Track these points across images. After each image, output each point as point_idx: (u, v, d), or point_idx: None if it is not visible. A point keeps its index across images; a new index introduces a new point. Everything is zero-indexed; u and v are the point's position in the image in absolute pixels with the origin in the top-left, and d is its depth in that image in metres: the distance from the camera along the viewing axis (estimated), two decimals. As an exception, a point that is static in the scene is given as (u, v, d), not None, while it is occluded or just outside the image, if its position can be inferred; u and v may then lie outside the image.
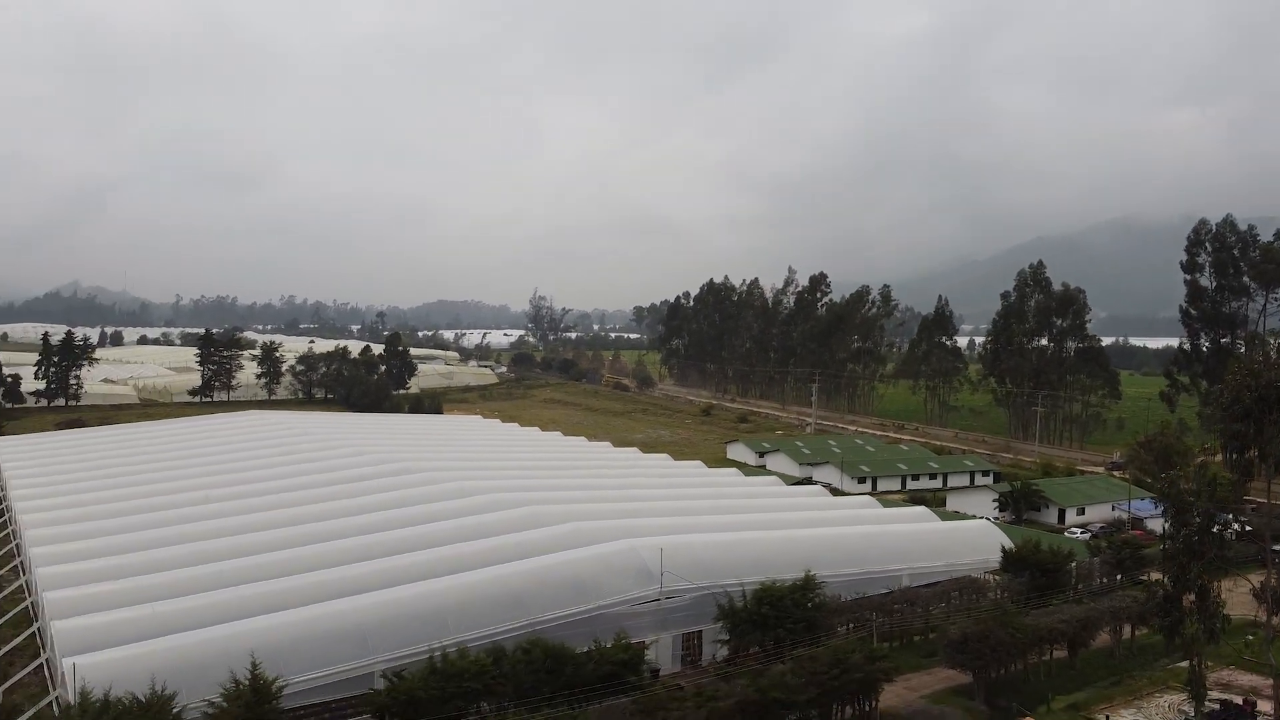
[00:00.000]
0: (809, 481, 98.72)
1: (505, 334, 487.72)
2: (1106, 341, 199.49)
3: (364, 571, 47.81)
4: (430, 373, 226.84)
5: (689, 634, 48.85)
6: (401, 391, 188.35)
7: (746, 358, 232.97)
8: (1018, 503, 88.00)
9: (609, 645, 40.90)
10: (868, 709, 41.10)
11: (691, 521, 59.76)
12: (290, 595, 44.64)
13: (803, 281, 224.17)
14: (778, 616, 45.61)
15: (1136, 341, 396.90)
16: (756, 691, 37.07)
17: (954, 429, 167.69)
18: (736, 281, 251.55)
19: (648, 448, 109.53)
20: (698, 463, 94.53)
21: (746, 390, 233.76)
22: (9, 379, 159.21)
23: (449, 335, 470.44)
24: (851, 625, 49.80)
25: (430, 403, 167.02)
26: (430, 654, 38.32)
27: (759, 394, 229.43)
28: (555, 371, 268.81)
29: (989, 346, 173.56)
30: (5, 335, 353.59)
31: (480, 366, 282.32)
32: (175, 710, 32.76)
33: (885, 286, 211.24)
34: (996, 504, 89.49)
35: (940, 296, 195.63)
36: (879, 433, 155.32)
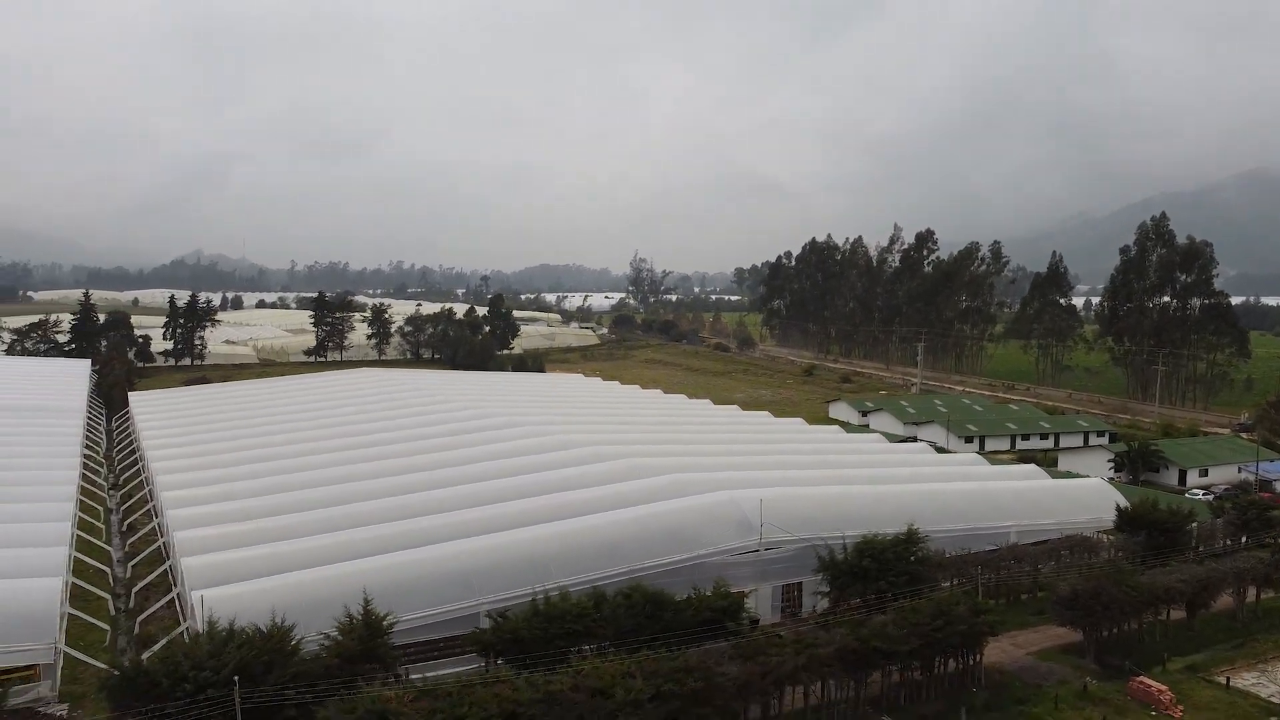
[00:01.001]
0: (913, 440, 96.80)
1: (606, 297, 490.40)
2: (1236, 301, 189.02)
3: (469, 518, 49.15)
4: (533, 334, 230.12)
5: (789, 585, 48.75)
6: (505, 352, 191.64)
7: (849, 318, 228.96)
8: (1135, 463, 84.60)
9: (708, 593, 41.13)
10: (971, 663, 40.38)
11: (791, 475, 59.41)
12: (400, 538, 46.27)
13: (908, 239, 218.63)
14: (879, 569, 45.02)
15: (1270, 301, 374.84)
16: (857, 640, 36.79)
17: (1067, 390, 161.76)
18: (839, 240, 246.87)
19: (748, 406, 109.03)
20: (799, 420, 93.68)
21: (849, 351, 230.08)
22: (140, 340, 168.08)
23: (551, 298, 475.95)
24: (956, 581, 48.86)
25: (533, 362, 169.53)
26: (533, 596, 39.14)
27: (862, 354, 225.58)
28: (655, 333, 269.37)
29: (1106, 304, 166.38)
30: (136, 300, 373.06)
31: (581, 328, 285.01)
32: (294, 641, 34.29)
33: (995, 243, 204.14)
34: (1112, 464, 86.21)
35: (1054, 253, 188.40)
36: (987, 393, 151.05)
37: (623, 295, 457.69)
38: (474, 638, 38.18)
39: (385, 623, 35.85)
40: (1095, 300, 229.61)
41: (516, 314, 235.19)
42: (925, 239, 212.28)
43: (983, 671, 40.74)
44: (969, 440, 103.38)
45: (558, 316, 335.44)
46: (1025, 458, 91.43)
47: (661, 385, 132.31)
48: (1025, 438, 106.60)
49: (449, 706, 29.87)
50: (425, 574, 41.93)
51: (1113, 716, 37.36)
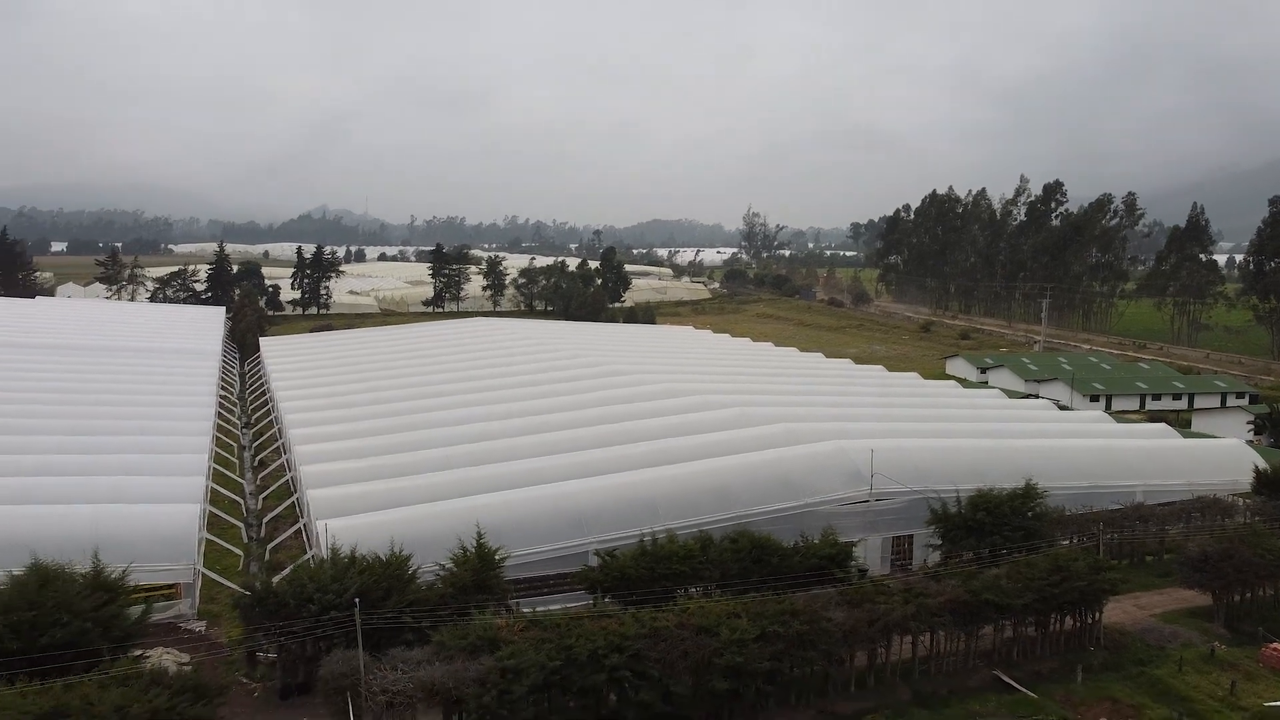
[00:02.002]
0: (1034, 398, 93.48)
1: (718, 252, 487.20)
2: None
3: (579, 460, 49.93)
4: (644, 287, 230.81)
5: (899, 538, 47.98)
6: (616, 305, 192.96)
7: (970, 273, 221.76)
8: (1278, 426, 79.75)
9: (816, 541, 40.88)
10: (1090, 621, 39.06)
11: (904, 427, 58.25)
12: (512, 478, 47.39)
13: (1035, 191, 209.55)
14: (994, 523, 43.82)
15: None
16: (968, 592, 36.00)
17: (1205, 349, 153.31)
18: (961, 193, 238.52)
19: (861, 361, 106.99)
20: (914, 374, 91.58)
21: (969, 307, 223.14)
22: (270, 289, 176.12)
23: (663, 253, 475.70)
24: (1076, 539, 47.18)
25: (643, 315, 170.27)
26: (640, 538, 39.59)
27: (983, 310, 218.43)
28: (768, 287, 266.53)
29: (1252, 259, 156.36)
30: (267, 253, 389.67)
31: (693, 282, 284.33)
32: (411, 570, 35.65)
33: (1130, 194, 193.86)
34: (1251, 427, 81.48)
35: (1195, 204, 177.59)
36: (1116, 352, 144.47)
37: (735, 250, 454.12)
38: (582, 575, 38.91)
39: (497, 556, 36.87)
40: (1239, 258, 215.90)
41: (628, 268, 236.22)
42: (1053, 191, 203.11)
43: (1102, 631, 39.34)
44: (1094, 399, 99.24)
45: (669, 271, 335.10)
46: (1156, 418, 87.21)
47: (773, 339, 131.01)
48: (1156, 398, 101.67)
49: (557, 637, 30.61)
50: (536, 512, 42.89)
51: (1243, 682, 35.66)
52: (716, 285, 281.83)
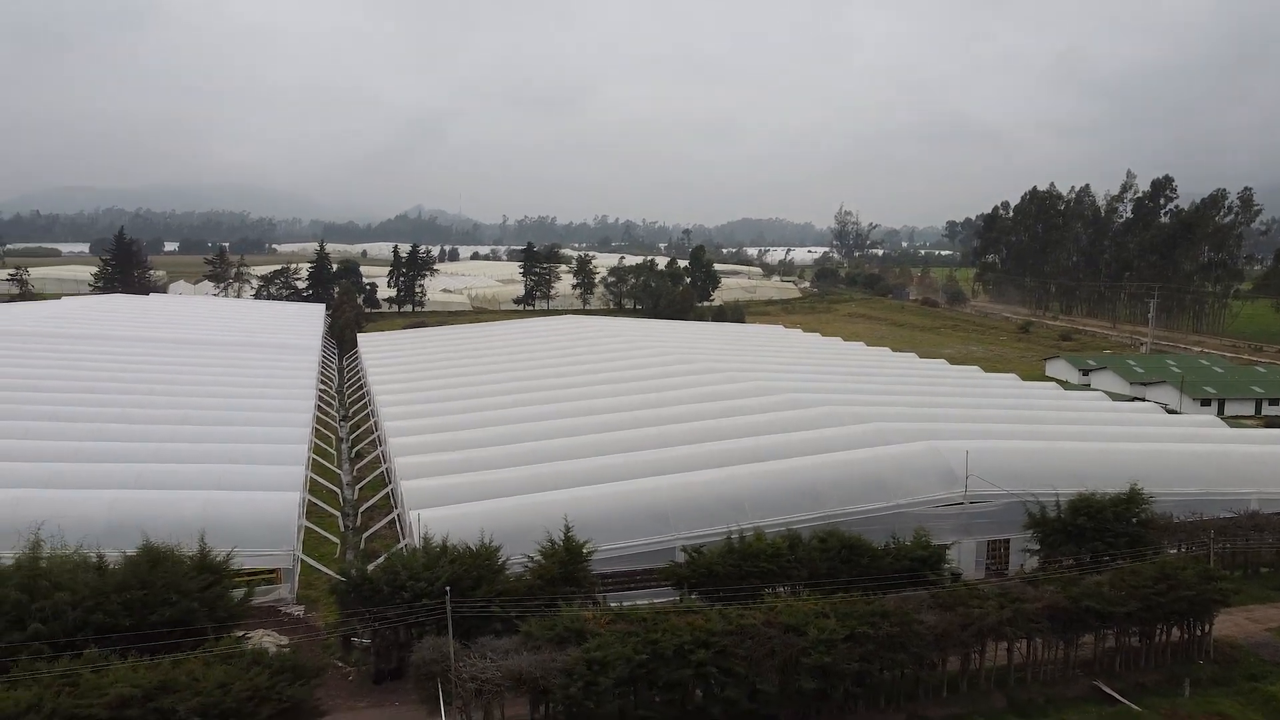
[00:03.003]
0: (1140, 400, 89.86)
1: (809, 251, 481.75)
2: None
3: (667, 456, 49.93)
4: (733, 286, 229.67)
5: (994, 541, 46.66)
6: (705, 303, 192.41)
7: (1071, 272, 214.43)
8: None
9: (908, 543, 40.04)
10: (1199, 633, 37.33)
11: (1001, 429, 56.62)
12: (600, 472, 47.67)
13: (1142, 187, 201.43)
14: (1096, 529, 42.27)
15: None
16: (1067, 598, 34.78)
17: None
18: (1063, 189, 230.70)
19: (956, 362, 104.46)
20: (1012, 376, 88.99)
21: (1070, 307, 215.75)
22: (368, 287, 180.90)
23: (752, 252, 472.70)
24: (1185, 547, 45.15)
25: (732, 313, 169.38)
26: (728, 535, 39.39)
27: (1085, 311, 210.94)
28: (859, 287, 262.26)
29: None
30: (365, 252, 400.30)
31: (782, 281, 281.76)
32: (500, 560, 36.16)
33: (1246, 189, 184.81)
34: (1379, 434, 76.71)
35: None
36: (1230, 354, 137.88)
37: (826, 250, 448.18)
38: (669, 571, 38.89)
39: (584, 550, 37.12)
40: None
41: (717, 267, 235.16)
42: (1162, 186, 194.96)
43: (1211, 644, 37.58)
44: (1206, 403, 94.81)
45: (758, 270, 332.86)
46: (1274, 424, 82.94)
47: (864, 339, 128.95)
48: (1274, 402, 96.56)
49: (643, 631, 30.63)
50: (623, 507, 43.04)
51: (1367, 702, 33.62)
52: (807, 284, 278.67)
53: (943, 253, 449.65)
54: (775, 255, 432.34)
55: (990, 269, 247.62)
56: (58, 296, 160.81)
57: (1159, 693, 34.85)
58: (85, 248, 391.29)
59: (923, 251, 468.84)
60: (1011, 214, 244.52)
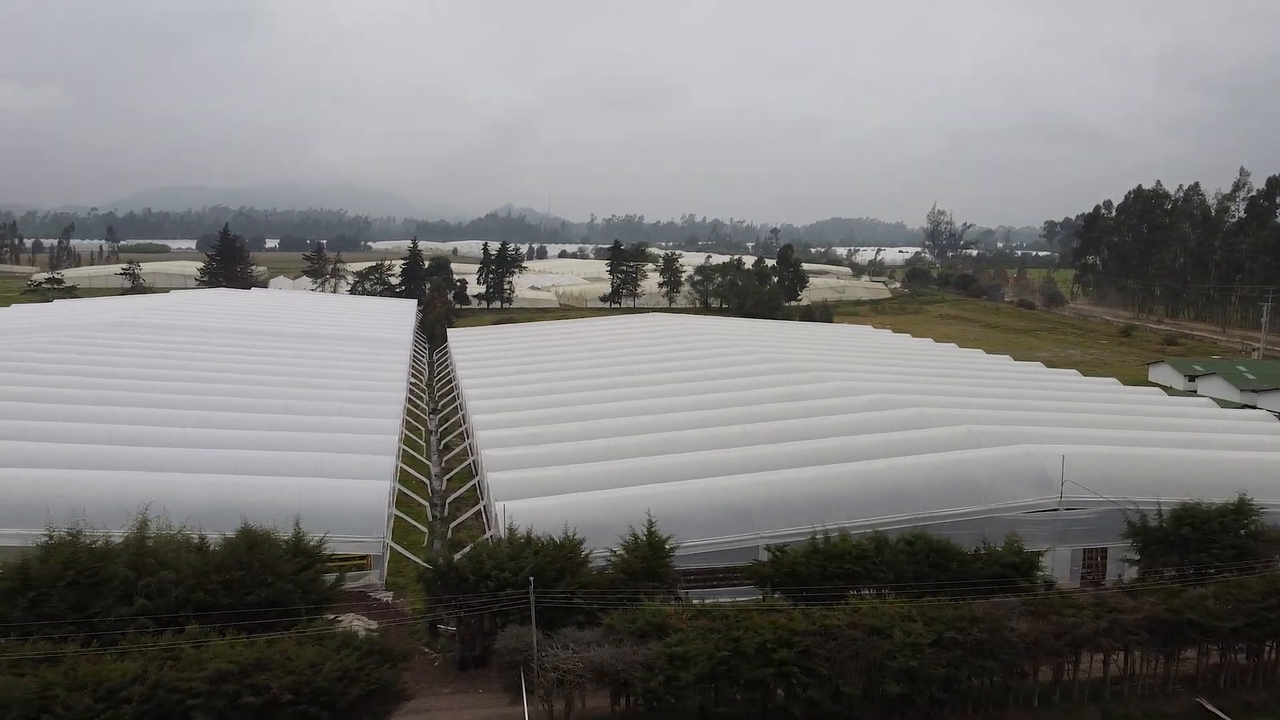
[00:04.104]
0: (1251, 409, 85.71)
1: (900, 251, 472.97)
2: None
3: (751, 454, 49.59)
4: (821, 285, 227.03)
5: (1090, 550, 45.07)
6: (792, 303, 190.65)
7: (1178, 274, 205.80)
8: None
9: (999, 549, 38.95)
10: (1313, 652, 35.45)
11: (1099, 434, 54.64)
12: (683, 469, 47.60)
13: (1256, 184, 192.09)
14: (1200, 540, 40.44)
15: None
16: (1168, 611, 33.39)
17: None
18: (1170, 188, 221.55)
19: (1054, 365, 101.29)
20: (1112, 380, 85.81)
21: (1176, 311, 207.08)
22: (458, 284, 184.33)
23: (841, 251, 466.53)
24: (1297, 562, 42.88)
25: (820, 313, 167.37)
26: (812, 535, 38.92)
27: (1192, 315, 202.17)
28: (952, 287, 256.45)
29: None
30: (455, 249, 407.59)
31: (872, 281, 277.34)
32: (583, 554, 36.42)
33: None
34: None
35: None
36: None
37: (918, 250, 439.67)
38: (752, 569, 38.63)
39: (667, 545, 37.12)
40: None
41: (805, 266, 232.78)
42: (1278, 184, 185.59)
43: (1327, 664, 35.67)
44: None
45: (848, 270, 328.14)
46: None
47: (956, 340, 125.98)
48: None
49: (725, 628, 30.50)
50: (706, 504, 42.91)
51: None
52: (897, 285, 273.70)
53: (1040, 253, 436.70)
54: (865, 255, 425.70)
55: (1090, 270, 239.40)
56: (166, 290, 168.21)
57: (1268, 712, 33.30)
58: (192, 244, 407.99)
59: (1019, 252, 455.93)
60: (1114, 213, 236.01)
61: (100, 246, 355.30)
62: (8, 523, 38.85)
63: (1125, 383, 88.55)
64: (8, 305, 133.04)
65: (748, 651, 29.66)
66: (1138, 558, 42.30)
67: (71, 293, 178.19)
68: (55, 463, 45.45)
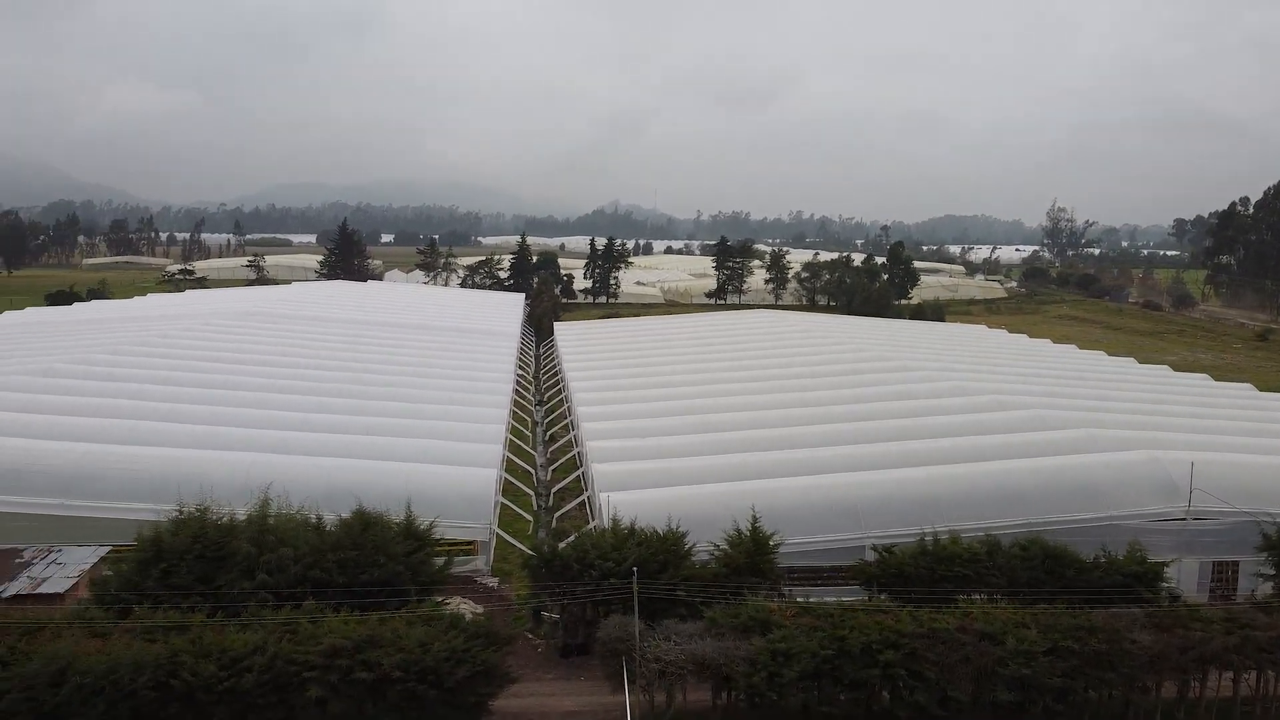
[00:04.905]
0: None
1: (1017, 249, 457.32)
2: None
3: (858, 452, 48.74)
4: (933, 284, 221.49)
5: (1220, 563, 42.72)
6: (903, 301, 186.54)
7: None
8: None
9: (1120, 557, 37.27)
10: None
11: (1231, 441, 51.75)
12: (788, 465, 47.09)
13: None
14: (1345, 556, 37.90)
15: None
16: (1309, 630, 31.37)
17: None
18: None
19: (1182, 369, 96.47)
20: (1246, 386, 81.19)
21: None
22: (565, 278, 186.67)
23: (955, 249, 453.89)
24: None
25: (932, 312, 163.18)
26: (921, 536, 37.98)
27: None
28: (1072, 287, 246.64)
29: None
30: (563, 245, 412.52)
31: (987, 280, 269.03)
32: (686, 547, 36.38)
33: None
34: None
35: None
36: None
37: (1036, 248, 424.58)
38: (858, 569, 37.94)
39: (771, 542, 36.77)
40: None
41: (917, 264, 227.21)
42: None
43: None
44: None
45: (961, 268, 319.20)
46: None
47: (1076, 342, 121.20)
48: None
49: (829, 626, 30.02)
50: (812, 501, 42.34)
51: None
52: (1014, 284, 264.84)
53: (1168, 253, 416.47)
54: (980, 253, 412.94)
55: (1224, 270, 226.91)
56: (288, 282, 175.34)
57: None
58: (313, 238, 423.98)
59: (1145, 251, 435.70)
60: (1252, 210, 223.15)
61: (228, 240, 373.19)
62: (144, 498, 41.07)
63: (1261, 389, 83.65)
64: (145, 295, 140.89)
65: (853, 651, 29.12)
66: (1274, 572, 39.85)
67: (202, 283, 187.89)
68: (187, 443, 47.89)
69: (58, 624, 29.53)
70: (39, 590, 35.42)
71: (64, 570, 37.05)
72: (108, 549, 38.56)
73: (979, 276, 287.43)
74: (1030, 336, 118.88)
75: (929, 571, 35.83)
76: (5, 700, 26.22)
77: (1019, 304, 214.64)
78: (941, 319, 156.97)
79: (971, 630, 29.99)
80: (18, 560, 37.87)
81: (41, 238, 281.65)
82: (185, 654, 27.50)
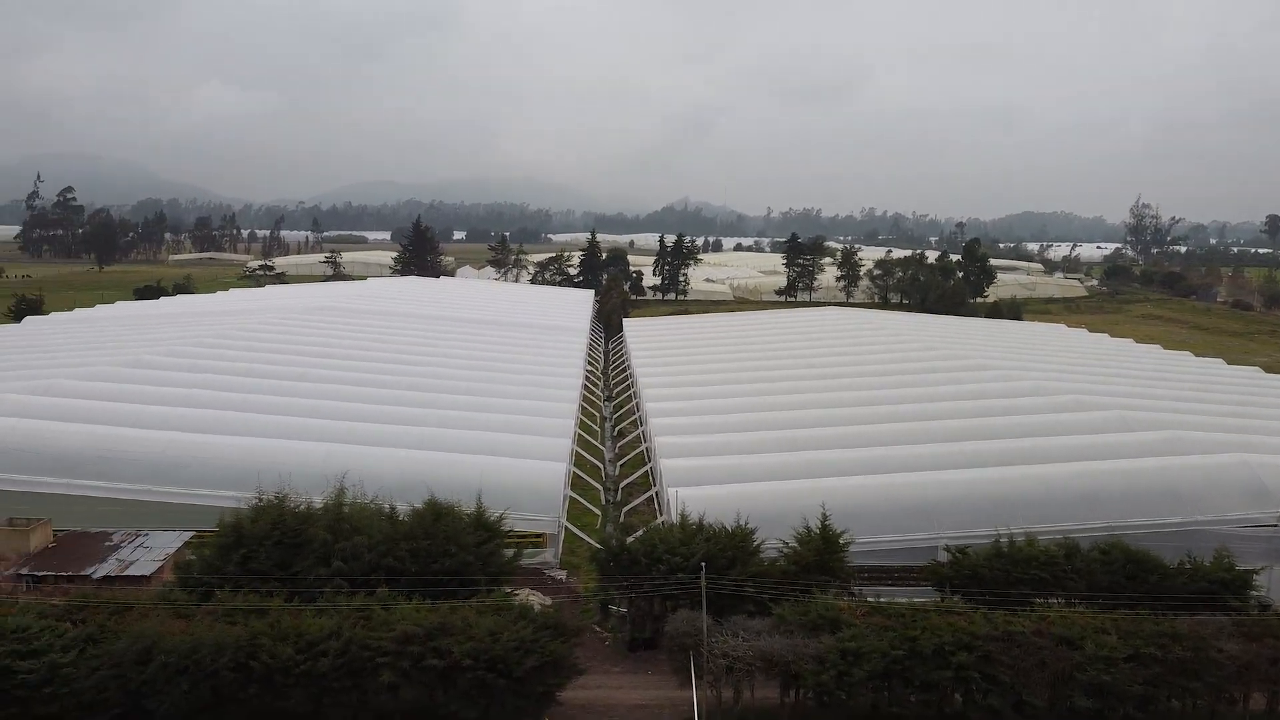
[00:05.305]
0: None
1: (1098, 247, 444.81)
2: None
3: (931, 451, 47.88)
4: (1010, 282, 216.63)
5: (1315, 572, 40.94)
6: (978, 299, 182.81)
7: None
8: None
9: (1206, 564, 35.98)
10: None
11: (1329, 446, 49.55)
12: (859, 464, 46.49)
13: None
14: None
15: None
16: None
17: None
18: None
19: (1273, 371, 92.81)
20: (1342, 388, 77.63)
21: None
22: (634, 275, 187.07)
23: (1033, 247, 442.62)
24: None
25: (1008, 311, 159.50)
26: (996, 537, 37.15)
27: None
28: (1156, 286, 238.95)
29: None
30: (632, 242, 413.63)
31: (1067, 278, 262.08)
32: (755, 543, 36.16)
33: None
34: None
35: None
36: None
37: (1118, 246, 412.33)
38: (930, 569, 37.33)
39: (841, 540, 36.34)
40: None
41: (993, 262, 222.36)
42: None
43: None
44: None
45: (1039, 266, 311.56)
46: None
47: (1160, 342, 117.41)
48: None
49: (900, 626, 29.56)
50: (883, 500, 41.77)
51: None
52: (1095, 282, 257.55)
53: (1260, 250, 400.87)
54: (1059, 251, 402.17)
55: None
56: (364, 278, 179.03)
57: None
58: (387, 235, 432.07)
59: (1235, 249, 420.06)
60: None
61: (306, 237, 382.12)
62: (225, 485, 42.27)
63: (1360, 392, 79.86)
64: (227, 289, 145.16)
65: (924, 652, 28.63)
66: (1373, 583, 38.13)
67: (281, 279, 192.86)
68: (266, 432, 49.21)
69: (144, 605, 30.61)
70: (127, 572, 36.74)
71: (150, 554, 38.37)
72: (191, 534, 39.84)
73: (1058, 274, 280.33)
74: (1112, 336, 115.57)
75: (1004, 573, 35.06)
76: (95, 677, 27.26)
77: (1100, 303, 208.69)
78: (1018, 318, 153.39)
79: (1048, 634, 29.25)
80: (107, 543, 39.34)
81: (131, 235, 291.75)
82: (264, 637, 28.26)
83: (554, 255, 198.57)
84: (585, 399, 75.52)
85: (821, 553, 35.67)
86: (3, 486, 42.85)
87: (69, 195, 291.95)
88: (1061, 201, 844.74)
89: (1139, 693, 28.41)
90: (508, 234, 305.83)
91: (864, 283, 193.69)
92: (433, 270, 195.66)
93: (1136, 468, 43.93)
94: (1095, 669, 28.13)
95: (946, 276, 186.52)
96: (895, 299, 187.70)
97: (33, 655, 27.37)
